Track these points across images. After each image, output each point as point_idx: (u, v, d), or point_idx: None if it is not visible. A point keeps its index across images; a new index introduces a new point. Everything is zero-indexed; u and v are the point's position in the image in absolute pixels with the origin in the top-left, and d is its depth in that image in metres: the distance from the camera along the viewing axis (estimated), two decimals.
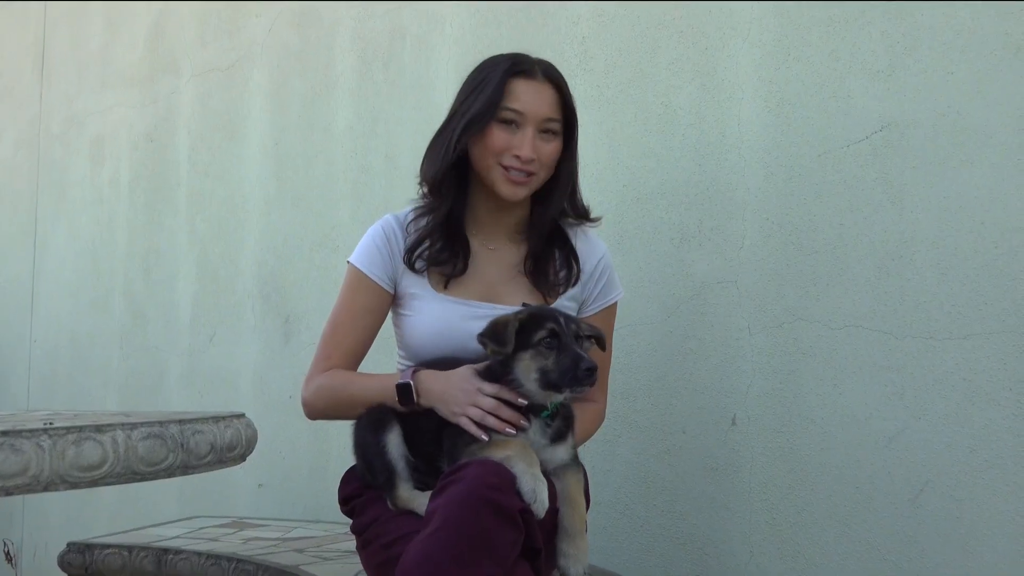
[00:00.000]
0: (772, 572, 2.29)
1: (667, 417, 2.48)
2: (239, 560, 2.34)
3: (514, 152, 2.04)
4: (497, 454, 1.82)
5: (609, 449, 2.56)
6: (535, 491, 1.78)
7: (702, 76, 2.46)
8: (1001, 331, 2.00)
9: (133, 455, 1.60)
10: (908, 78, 2.14)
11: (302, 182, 3.47)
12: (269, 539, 2.62)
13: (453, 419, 1.90)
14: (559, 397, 1.90)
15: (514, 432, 1.86)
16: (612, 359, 2.28)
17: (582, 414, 2.17)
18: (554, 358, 1.85)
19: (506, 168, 2.05)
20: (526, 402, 1.88)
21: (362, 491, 2.09)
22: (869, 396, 2.16)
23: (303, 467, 3.37)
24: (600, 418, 2.23)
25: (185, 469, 1.71)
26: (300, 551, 2.42)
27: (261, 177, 3.62)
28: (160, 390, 3.98)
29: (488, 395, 1.88)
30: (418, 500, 1.93)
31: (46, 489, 1.52)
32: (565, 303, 2.14)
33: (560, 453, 1.94)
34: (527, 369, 1.88)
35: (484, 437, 1.86)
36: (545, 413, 1.91)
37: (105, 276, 4.30)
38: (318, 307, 3.35)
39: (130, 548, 2.52)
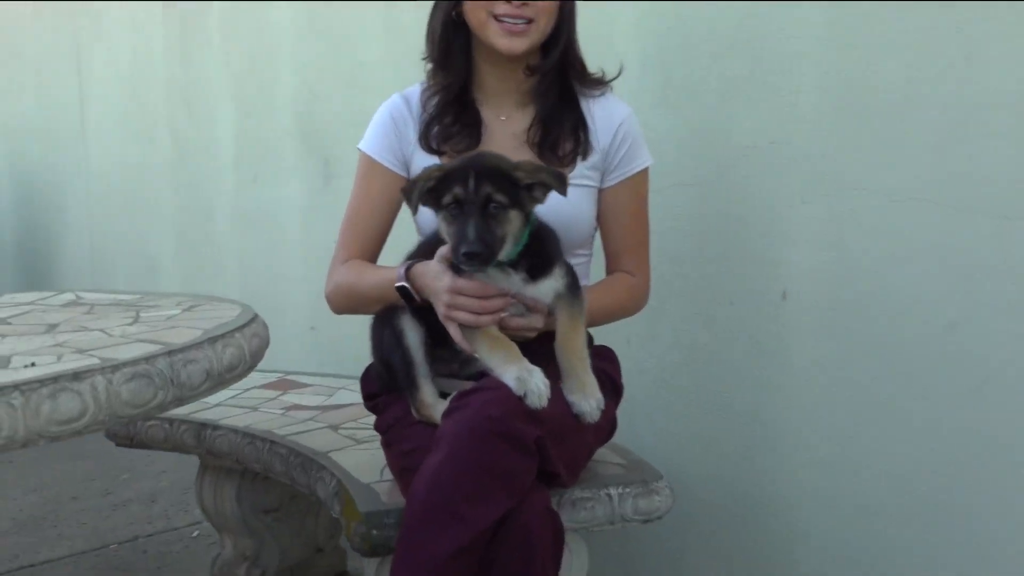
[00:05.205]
0: (820, 453, 2.16)
1: (713, 285, 2.31)
2: (272, 442, 2.31)
3: None
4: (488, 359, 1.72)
5: (652, 314, 2.41)
6: (520, 380, 1.65)
7: None
8: None
9: (116, 400, 1.51)
10: None
11: (334, 15, 3.24)
12: (309, 408, 2.58)
13: (446, 324, 1.77)
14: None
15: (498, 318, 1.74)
16: (653, 225, 2.10)
17: (613, 282, 2.04)
18: (455, 227, 1.69)
19: (499, 19, 1.88)
20: (505, 292, 1.74)
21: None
22: (931, 277, 1.95)
23: None
24: (635, 293, 2.07)
25: (179, 402, 1.63)
26: (335, 428, 2.38)
27: (293, 10, 3.40)
28: (211, 227, 3.94)
29: (465, 292, 1.73)
30: (440, 409, 1.83)
31: (25, 446, 1.45)
32: (585, 172, 1.99)
33: (547, 287, 1.78)
34: (443, 231, 1.74)
35: (472, 351, 1.75)
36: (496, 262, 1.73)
37: (148, 108, 4.18)
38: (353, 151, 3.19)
39: (171, 421, 2.51)
